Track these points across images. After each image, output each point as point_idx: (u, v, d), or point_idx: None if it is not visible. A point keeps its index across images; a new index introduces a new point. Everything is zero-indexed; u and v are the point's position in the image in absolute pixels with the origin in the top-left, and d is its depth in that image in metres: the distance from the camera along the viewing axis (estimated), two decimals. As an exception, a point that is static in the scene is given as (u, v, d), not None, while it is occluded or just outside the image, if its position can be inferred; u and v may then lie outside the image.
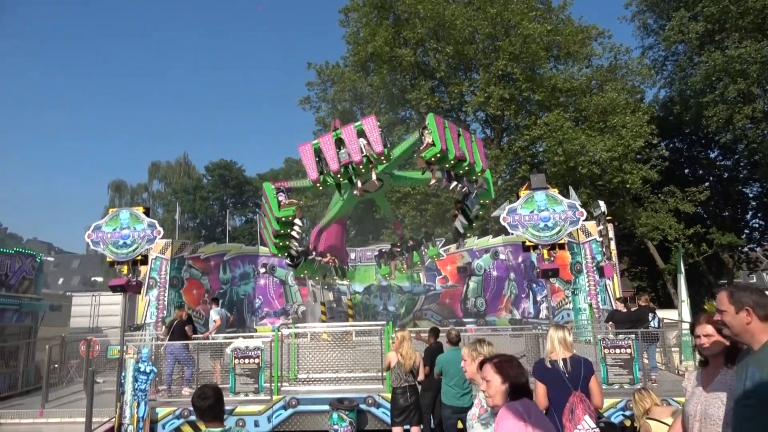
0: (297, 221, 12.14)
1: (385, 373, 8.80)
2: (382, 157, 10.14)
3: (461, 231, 14.10)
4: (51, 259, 57.53)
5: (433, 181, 11.49)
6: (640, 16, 29.12)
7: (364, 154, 10.01)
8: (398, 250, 15.75)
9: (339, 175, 10.38)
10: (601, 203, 14.39)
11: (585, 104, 24.88)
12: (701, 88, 25.22)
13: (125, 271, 10.23)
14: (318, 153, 10.34)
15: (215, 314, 12.77)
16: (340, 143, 10.17)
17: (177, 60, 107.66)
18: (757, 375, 2.41)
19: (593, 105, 24.39)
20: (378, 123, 10.29)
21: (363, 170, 10.42)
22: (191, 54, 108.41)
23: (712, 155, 30.23)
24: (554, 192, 10.75)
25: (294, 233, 12.28)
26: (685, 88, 26.76)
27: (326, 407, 8.36)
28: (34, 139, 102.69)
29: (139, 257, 10.45)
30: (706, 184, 29.11)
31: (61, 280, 58.33)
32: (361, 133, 10.09)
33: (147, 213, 10.91)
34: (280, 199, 11.66)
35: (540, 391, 4.31)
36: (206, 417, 3.22)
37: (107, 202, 50.43)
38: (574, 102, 26.01)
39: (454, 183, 11.26)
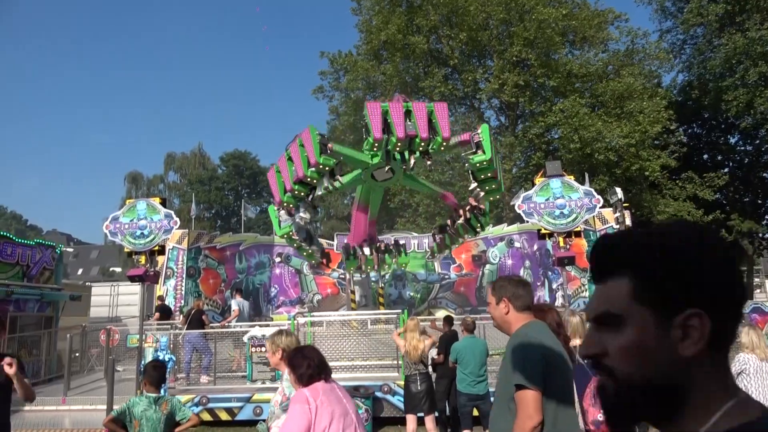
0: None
1: (400, 361, 8.84)
2: (321, 166, 10.15)
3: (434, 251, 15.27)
4: (70, 250, 58.36)
5: (410, 166, 11.21)
6: (657, -1, 28.55)
7: (309, 168, 10.12)
8: (455, 222, 14.89)
9: (296, 191, 10.52)
10: (618, 190, 14.19)
11: (601, 90, 24.50)
12: (721, 72, 24.69)
13: (143, 262, 10.36)
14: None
15: (234, 304, 12.96)
16: (291, 160, 10.41)
17: (191, 52, 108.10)
18: (504, 360, 2.66)
19: (610, 90, 24.02)
20: (317, 132, 10.32)
21: (316, 182, 10.52)
22: (205, 46, 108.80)
23: (732, 140, 29.65)
24: (570, 179, 10.65)
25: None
26: (704, 72, 26.23)
27: (342, 395, 8.42)
28: (53, 134, 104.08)
29: (157, 247, 10.58)
30: (726, 169, 28.60)
31: (80, 271, 59.24)
32: (303, 147, 10.20)
33: (163, 204, 11.02)
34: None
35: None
36: (153, 383, 4.39)
37: (124, 194, 50.92)
38: (590, 88, 25.64)
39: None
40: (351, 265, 15.61)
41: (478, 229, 14.58)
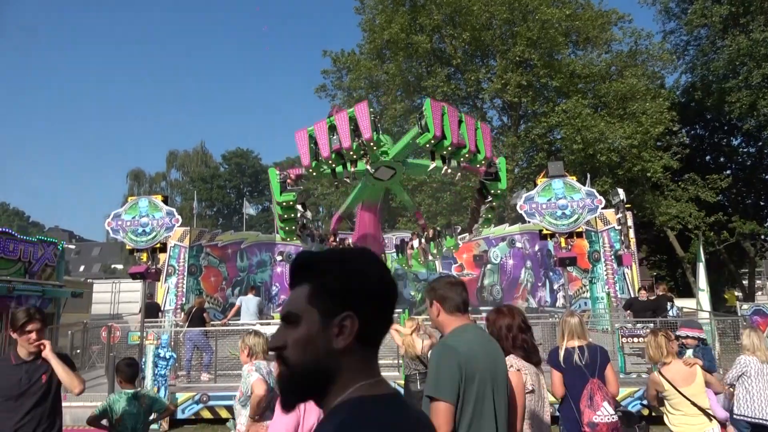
0: (299, 206, 12.04)
1: (400, 361, 8.83)
2: (372, 144, 9.97)
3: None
4: (72, 246, 58.43)
5: (447, 171, 11.24)
6: (661, 0, 28.47)
7: (356, 141, 9.86)
8: (418, 239, 15.60)
9: (331, 161, 10.23)
10: (620, 191, 14.15)
11: (604, 90, 24.47)
12: (724, 74, 24.63)
13: (144, 259, 10.37)
14: (312, 139, 10.18)
15: (238, 300, 13.02)
16: (333, 129, 10.05)
17: (194, 51, 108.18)
18: None
19: (612, 91, 23.98)
20: (371, 110, 10.12)
21: (355, 157, 10.29)
22: (208, 44, 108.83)
23: (735, 142, 29.60)
24: (572, 180, 10.64)
25: (301, 218, 12.35)
26: (707, 74, 26.16)
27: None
28: (56, 131, 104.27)
29: (158, 245, 10.59)
30: (728, 171, 28.55)
31: (81, 268, 59.38)
32: (353, 120, 9.93)
33: (165, 201, 11.03)
34: (282, 182, 11.39)
35: (556, 378, 4.30)
36: (128, 379, 4.62)
37: (126, 191, 51.00)
38: (593, 88, 25.60)
39: (458, 173, 11.36)
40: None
41: (435, 255, 15.88)
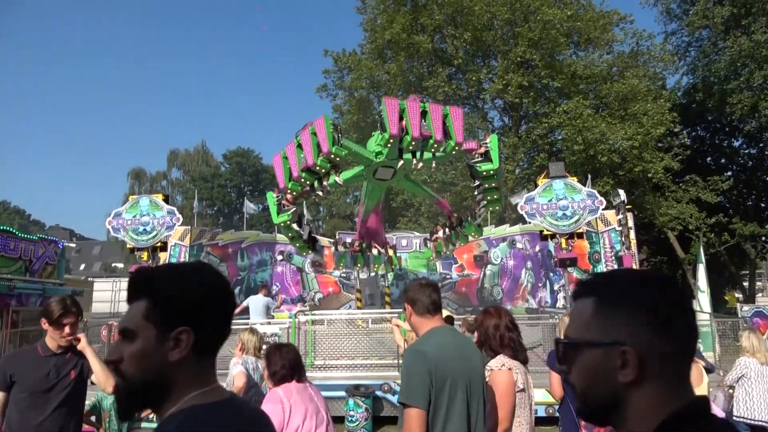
0: (294, 225, 12.34)
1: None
2: (333, 156, 9.95)
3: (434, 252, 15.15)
4: (72, 245, 58.55)
5: (417, 165, 10.87)
6: (663, 1, 28.39)
7: (319, 156, 9.90)
8: (442, 230, 15.18)
9: (303, 179, 10.36)
10: (621, 192, 14.16)
11: (605, 91, 24.45)
12: (725, 75, 24.61)
13: (145, 258, 10.39)
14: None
15: (245, 301, 13.13)
16: (300, 148, 10.18)
17: (196, 49, 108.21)
18: None
19: (614, 92, 23.97)
20: (331, 121, 10.10)
21: (324, 171, 10.33)
22: (209, 42, 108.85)
23: (736, 143, 29.57)
24: (573, 180, 10.64)
25: (302, 233, 12.64)
26: (708, 75, 26.14)
27: (342, 393, 8.43)
28: (57, 128, 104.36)
29: (159, 244, 10.61)
30: (729, 173, 28.52)
31: (82, 266, 59.38)
32: (315, 135, 9.96)
33: (166, 200, 11.05)
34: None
35: (554, 380, 4.30)
36: None
37: (127, 190, 51.01)
38: (594, 89, 25.58)
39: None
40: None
41: (470, 237, 14.87)
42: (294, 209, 12.04)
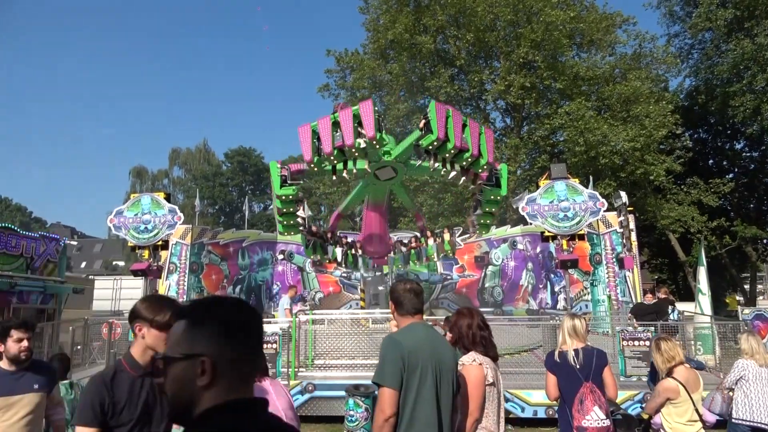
0: (299, 209, 12.12)
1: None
2: (375, 142, 9.81)
3: (404, 263, 15.51)
4: (74, 243, 58.61)
5: (451, 175, 11.06)
6: (666, 3, 28.42)
7: (358, 139, 9.70)
8: (417, 241, 15.59)
9: (333, 158, 10.08)
10: (623, 194, 14.18)
11: (608, 93, 24.45)
12: (728, 77, 24.61)
13: (146, 256, 10.41)
14: (315, 134, 10.05)
15: (286, 302, 13.25)
16: (336, 126, 9.89)
17: (197, 48, 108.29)
18: None
19: (616, 94, 23.97)
20: (375, 108, 9.92)
21: (357, 155, 10.16)
22: (211, 42, 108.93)
23: (738, 146, 29.56)
24: (575, 182, 10.63)
25: (299, 214, 12.24)
26: (711, 77, 26.14)
27: (342, 393, 8.42)
28: (59, 127, 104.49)
29: (160, 242, 10.63)
30: (731, 175, 28.51)
31: (83, 264, 59.44)
32: (357, 117, 9.77)
33: (168, 199, 11.07)
34: (283, 176, 11.31)
35: (550, 381, 4.29)
36: (62, 373, 5.14)
37: (129, 188, 51.05)
38: (596, 91, 25.58)
39: (462, 177, 10.96)
40: (310, 252, 15.00)
41: (433, 258, 15.65)
42: (300, 184, 11.84)
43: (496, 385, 3.39)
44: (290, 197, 11.59)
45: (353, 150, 9.87)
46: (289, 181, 11.34)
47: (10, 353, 3.65)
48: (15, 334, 3.64)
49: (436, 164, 10.64)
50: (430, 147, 10.17)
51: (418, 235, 15.99)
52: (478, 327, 3.55)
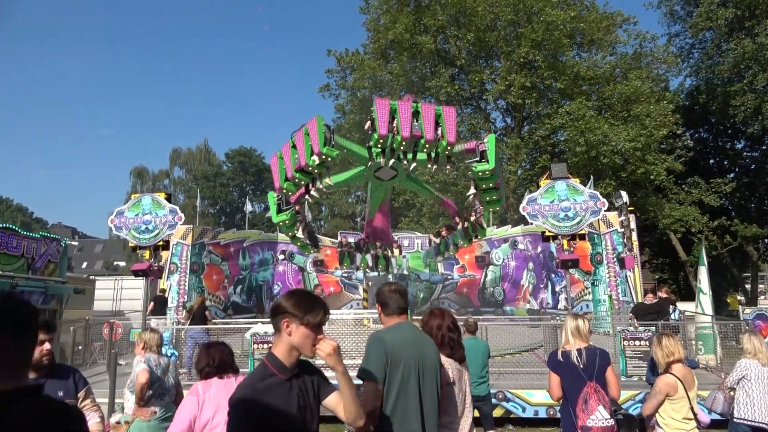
0: (299, 233, 12.62)
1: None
2: (324, 156, 9.82)
3: (435, 255, 15.11)
4: (75, 243, 58.69)
5: (412, 166, 10.92)
6: (666, 3, 28.39)
7: (312, 156, 9.85)
8: (448, 230, 15.05)
9: (297, 179, 10.35)
10: (623, 193, 14.17)
11: (608, 93, 24.46)
12: (729, 77, 24.59)
13: (147, 256, 10.40)
14: (282, 161, 10.49)
15: None
16: (294, 148, 10.19)
17: (198, 47, 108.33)
18: None
19: (617, 93, 23.97)
20: (324, 122, 9.99)
21: (317, 172, 10.28)
22: (211, 41, 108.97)
23: (739, 146, 29.54)
24: (576, 182, 10.61)
25: (300, 234, 12.84)
26: (712, 77, 26.12)
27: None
28: (60, 127, 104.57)
29: (161, 242, 10.62)
30: (732, 175, 28.48)
31: (84, 264, 59.49)
32: (308, 136, 9.94)
33: (168, 199, 11.07)
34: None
35: (553, 381, 4.29)
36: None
37: (129, 188, 51.05)
38: (597, 90, 25.58)
39: (430, 164, 10.63)
40: (345, 261, 15.27)
41: (474, 239, 14.79)
42: (293, 209, 12.06)
43: (458, 384, 3.56)
44: (287, 222, 12.00)
45: (310, 168, 10.05)
46: (283, 207, 11.63)
47: None
48: None
49: (396, 158, 10.46)
50: (379, 144, 10.03)
51: (451, 224, 15.48)
52: (448, 328, 3.67)
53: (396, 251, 15.49)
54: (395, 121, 9.69)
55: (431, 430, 3.04)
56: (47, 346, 3.31)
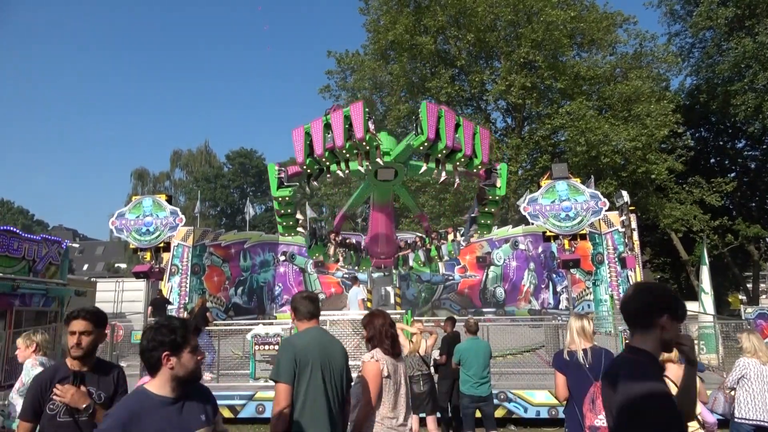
0: (297, 211, 12.29)
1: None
2: (365, 143, 9.78)
3: (410, 264, 15.53)
4: (76, 245, 58.63)
5: (442, 177, 11.00)
6: (666, 2, 28.37)
7: (348, 140, 9.69)
8: (422, 242, 15.44)
9: (324, 159, 10.12)
10: (624, 193, 14.15)
11: (609, 92, 24.44)
12: (729, 76, 24.57)
13: (148, 258, 10.40)
14: (308, 137, 10.06)
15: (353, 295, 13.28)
16: (328, 128, 9.89)
17: (198, 48, 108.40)
18: None
19: (617, 93, 23.96)
20: (366, 110, 9.84)
21: (348, 156, 10.15)
22: (211, 43, 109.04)
23: (740, 145, 29.51)
24: (576, 182, 10.61)
25: (299, 217, 12.48)
26: (712, 76, 26.10)
27: (345, 394, 8.42)
28: (60, 129, 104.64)
29: (162, 244, 10.62)
30: (733, 174, 28.46)
31: (85, 266, 59.51)
32: (348, 119, 9.75)
33: (169, 201, 11.07)
34: (280, 178, 11.28)
35: (559, 381, 4.28)
36: None
37: (130, 190, 51.15)
38: (597, 90, 25.56)
39: (457, 179, 10.90)
40: (314, 252, 14.92)
41: (436, 259, 15.57)
42: (296, 186, 11.88)
43: (392, 377, 3.87)
44: (287, 199, 11.61)
45: (344, 151, 9.89)
46: (285, 183, 11.37)
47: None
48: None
49: (429, 164, 10.59)
50: (422, 147, 10.12)
51: (423, 236, 15.90)
52: (390, 325, 4.05)
53: (449, 236, 15.45)
54: (438, 128, 9.81)
55: (338, 424, 3.40)
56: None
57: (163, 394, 2.34)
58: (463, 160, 10.20)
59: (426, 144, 9.88)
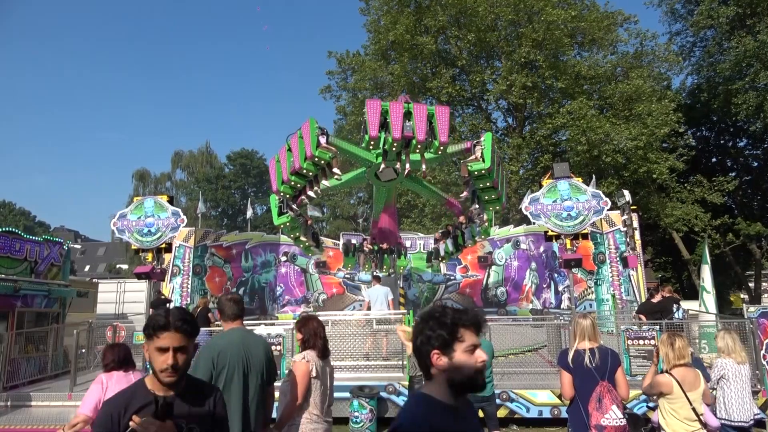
0: (302, 237, 12.33)
1: (404, 362, 8.82)
2: (316, 158, 9.73)
3: (441, 255, 14.96)
4: (77, 246, 58.69)
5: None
6: (667, 1, 28.37)
7: (305, 160, 9.77)
8: (459, 228, 14.85)
9: (293, 182, 10.25)
10: (626, 192, 14.13)
11: (609, 92, 24.41)
12: (730, 75, 24.54)
13: (150, 259, 10.42)
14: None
15: (365, 295, 13.21)
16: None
17: (199, 49, 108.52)
18: None
19: (618, 92, 23.93)
20: (318, 126, 9.86)
21: (312, 174, 10.15)
22: (212, 44, 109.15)
23: (741, 144, 29.48)
24: (578, 181, 10.60)
25: (302, 238, 12.56)
26: (713, 75, 26.08)
27: (347, 395, 8.41)
28: (61, 131, 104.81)
29: (164, 245, 10.64)
30: (734, 173, 28.43)
31: (87, 268, 59.57)
32: (302, 139, 9.85)
33: (171, 202, 11.08)
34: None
35: (565, 380, 4.28)
36: None
37: (132, 191, 51.16)
38: (598, 90, 25.54)
39: (423, 168, 10.42)
40: (349, 263, 15.60)
41: (477, 239, 14.40)
42: (294, 214, 11.95)
43: (320, 377, 4.15)
44: (287, 225, 11.87)
45: (304, 171, 9.97)
46: (284, 210, 11.48)
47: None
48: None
49: (384, 162, 10.50)
50: (370, 147, 10.04)
51: (447, 230, 15.48)
52: (322, 327, 4.37)
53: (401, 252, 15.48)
54: (386, 122, 9.49)
55: (253, 422, 3.63)
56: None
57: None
58: (419, 147, 9.70)
59: (372, 142, 9.72)
